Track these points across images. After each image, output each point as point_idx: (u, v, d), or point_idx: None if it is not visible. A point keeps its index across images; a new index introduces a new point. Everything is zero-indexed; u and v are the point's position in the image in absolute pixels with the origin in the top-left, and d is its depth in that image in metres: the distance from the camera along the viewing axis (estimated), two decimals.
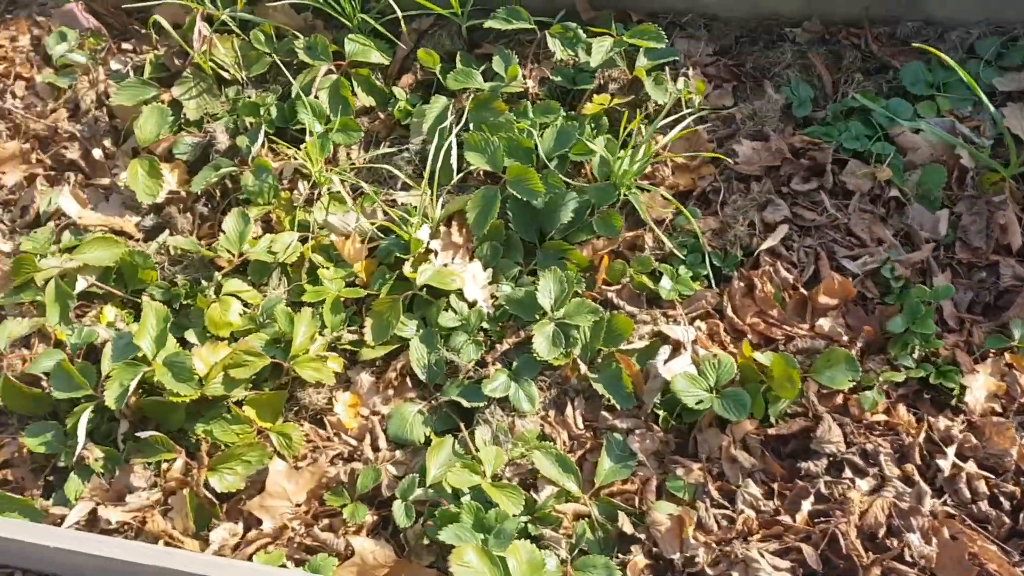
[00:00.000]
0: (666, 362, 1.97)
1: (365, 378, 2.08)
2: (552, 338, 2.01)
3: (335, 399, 2.06)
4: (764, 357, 1.90)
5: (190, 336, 2.11)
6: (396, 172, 2.33)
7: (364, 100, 2.49)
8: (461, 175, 2.29)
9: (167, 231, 2.34)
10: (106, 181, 2.46)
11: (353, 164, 2.40)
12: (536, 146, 2.23)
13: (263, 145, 2.41)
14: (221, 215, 2.39)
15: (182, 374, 1.96)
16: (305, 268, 2.22)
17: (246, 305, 2.16)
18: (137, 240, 2.37)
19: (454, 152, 2.30)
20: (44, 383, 2.10)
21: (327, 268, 2.21)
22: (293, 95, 2.46)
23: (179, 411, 1.99)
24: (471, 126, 2.34)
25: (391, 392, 2.06)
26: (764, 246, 2.08)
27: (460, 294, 2.12)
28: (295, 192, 2.38)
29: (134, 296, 2.24)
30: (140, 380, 1.95)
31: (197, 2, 2.56)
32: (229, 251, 2.21)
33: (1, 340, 2.06)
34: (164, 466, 1.97)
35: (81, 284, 2.18)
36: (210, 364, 2.01)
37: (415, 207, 2.27)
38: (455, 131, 2.29)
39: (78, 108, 2.57)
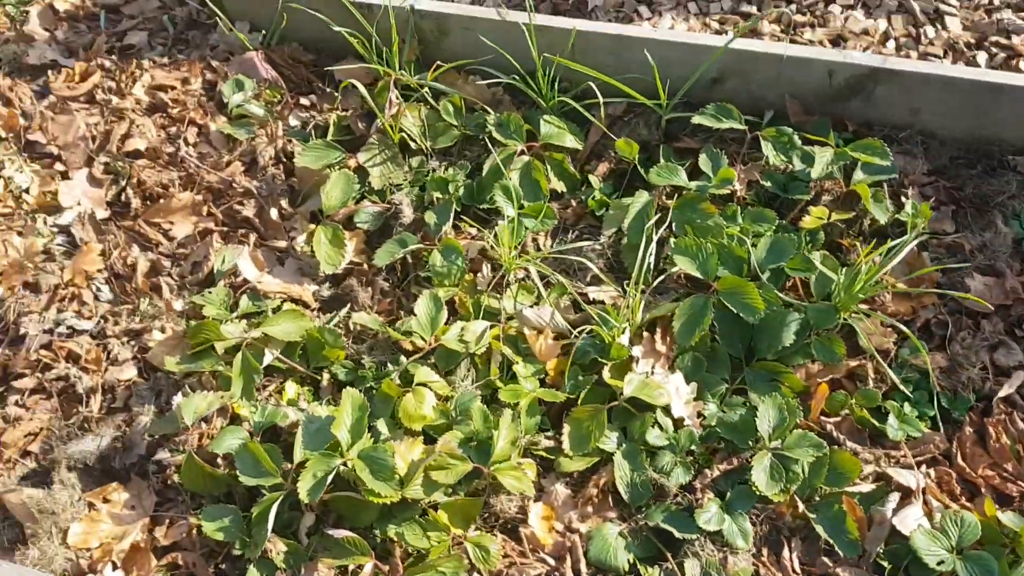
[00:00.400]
0: (895, 511, 1.84)
1: (561, 490, 1.96)
2: (771, 471, 1.88)
3: (528, 508, 1.94)
4: (1010, 519, 1.77)
5: (380, 425, 2.00)
6: (589, 265, 2.22)
7: (554, 184, 2.40)
8: (662, 277, 2.18)
9: (348, 304, 2.24)
10: (282, 244, 2.36)
11: (541, 251, 2.30)
12: (749, 256, 2.12)
13: (452, 224, 2.31)
14: (400, 291, 2.29)
15: (382, 472, 1.84)
16: (497, 361, 2.11)
17: (436, 396, 2.05)
18: (314, 310, 2.26)
19: (652, 251, 2.19)
20: (219, 460, 1.99)
21: (518, 363, 2.10)
22: (484, 172, 2.37)
23: (372, 510, 1.87)
24: (674, 226, 2.24)
25: (590, 509, 1.94)
26: (1001, 393, 1.95)
27: (666, 409, 2.00)
28: (479, 275, 2.28)
29: (314, 373, 2.14)
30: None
31: (388, 67, 2.49)
32: (422, 337, 2.10)
33: (188, 415, 1.95)
34: (351, 567, 1.85)
35: (267, 358, 2.08)
36: (408, 462, 1.89)
37: (611, 305, 2.17)
38: (660, 231, 2.19)
39: (255, 163, 2.49)
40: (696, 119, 2.33)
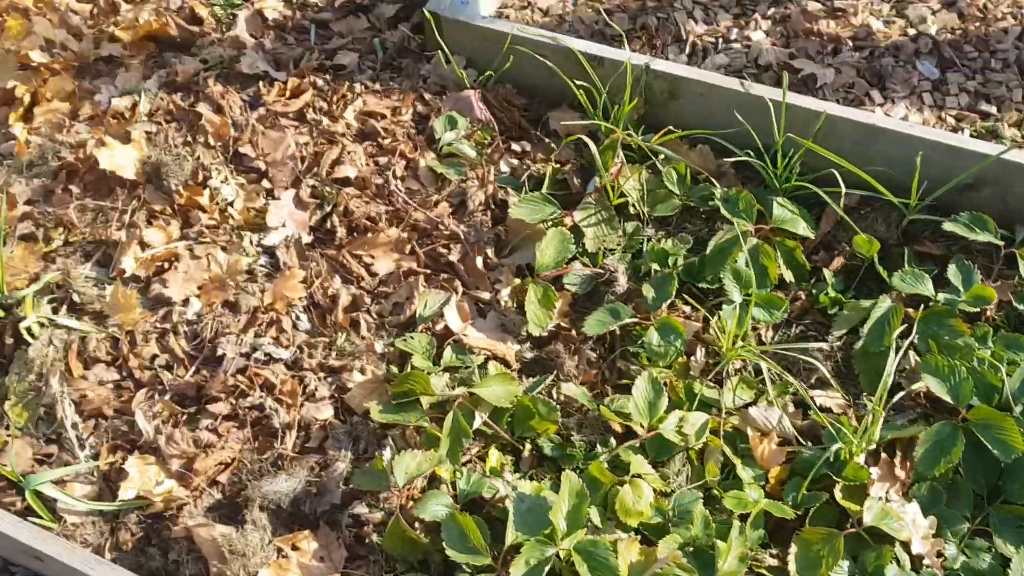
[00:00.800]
0: None
1: None
2: None
3: None
4: None
5: (592, 513, 1.86)
6: (819, 366, 2.07)
7: (782, 272, 2.25)
8: (901, 394, 2.01)
9: (554, 372, 2.12)
10: (485, 295, 2.26)
11: (764, 344, 2.16)
12: (1003, 385, 1.95)
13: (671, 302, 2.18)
14: (605, 364, 2.16)
15: (601, 570, 1.71)
16: (716, 461, 1.97)
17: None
18: (514, 371, 2.15)
19: (894, 364, 2.02)
20: (416, 524, 1.88)
21: (740, 466, 1.96)
22: (709, 250, 2.23)
23: None
24: (916, 339, 2.07)
25: None
26: None
27: (904, 544, 1.84)
28: (692, 359, 2.14)
29: (516, 441, 2.02)
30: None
31: (614, 126, 2.39)
32: (640, 424, 1.97)
33: (400, 475, 1.84)
34: None
35: (477, 421, 1.97)
36: (628, 563, 1.76)
37: (841, 414, 2.01)
38: (905, 344, 2.03)
39: (463, 206, 2.40)
40: (948, 226, 2.17)
